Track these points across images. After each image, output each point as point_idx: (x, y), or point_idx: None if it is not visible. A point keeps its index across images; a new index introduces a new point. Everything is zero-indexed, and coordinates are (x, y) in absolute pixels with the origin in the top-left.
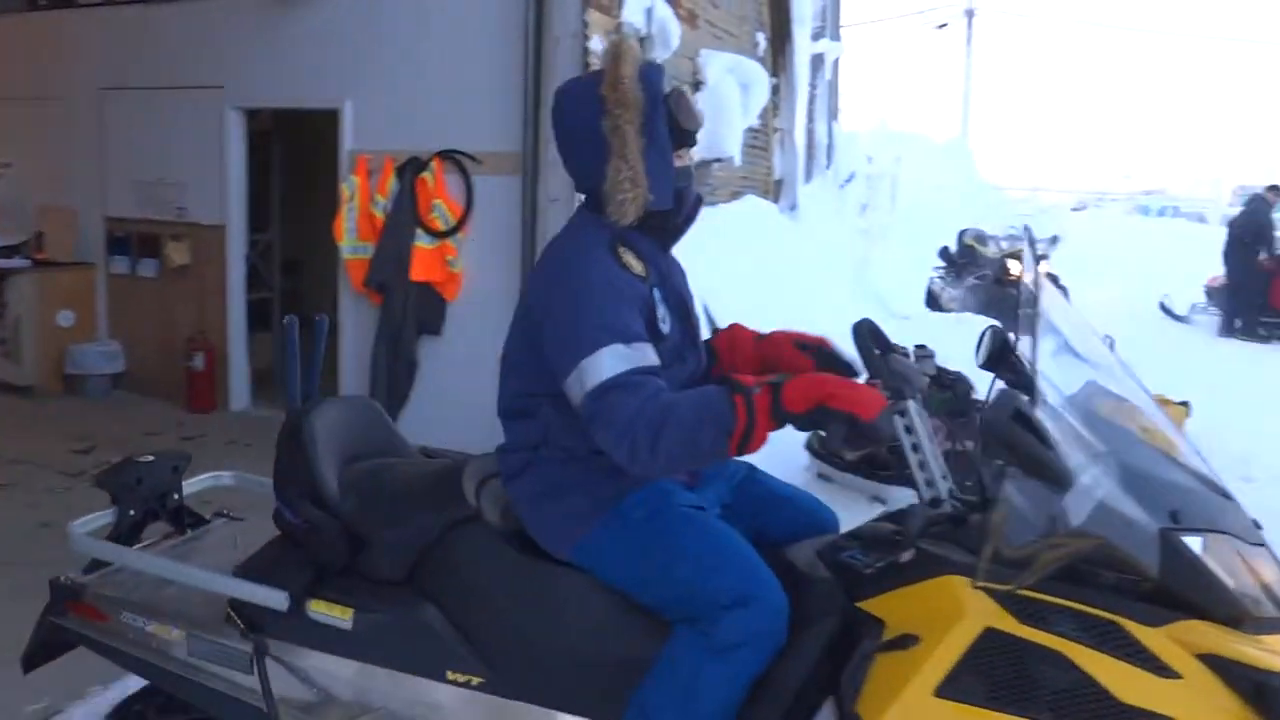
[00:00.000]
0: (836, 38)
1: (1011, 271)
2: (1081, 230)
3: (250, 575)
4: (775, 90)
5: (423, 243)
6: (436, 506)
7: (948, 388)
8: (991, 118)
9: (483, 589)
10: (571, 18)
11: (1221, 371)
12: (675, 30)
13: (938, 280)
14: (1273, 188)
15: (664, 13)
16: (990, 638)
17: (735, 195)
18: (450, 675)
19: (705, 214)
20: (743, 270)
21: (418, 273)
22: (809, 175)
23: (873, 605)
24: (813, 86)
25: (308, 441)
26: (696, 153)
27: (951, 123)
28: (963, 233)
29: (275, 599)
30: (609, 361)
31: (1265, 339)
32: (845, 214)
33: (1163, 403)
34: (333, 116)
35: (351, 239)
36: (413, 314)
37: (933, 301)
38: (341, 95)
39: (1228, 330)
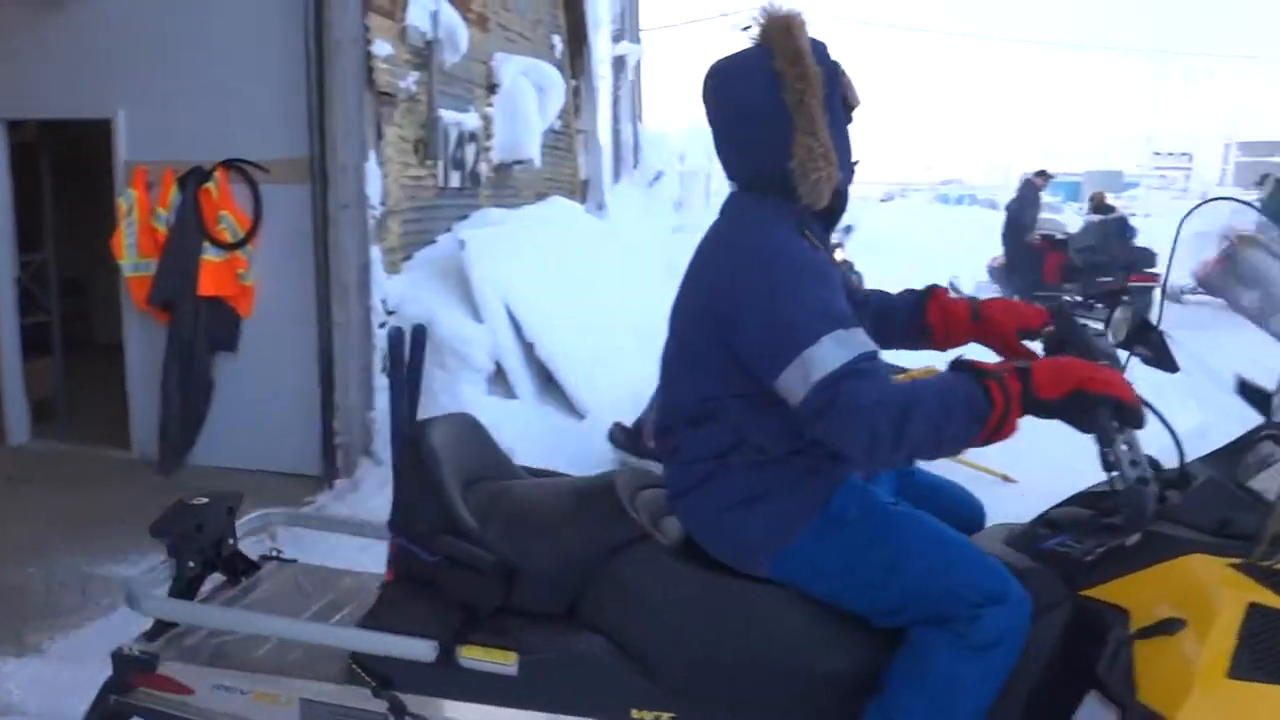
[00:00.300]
0: (637, 40)
1: None
2: (889, 218)
3: (377, 625)
4: (575, 92)
5: (210, 256)
6: (595, 529)
7: None
8: None
9: (661, 614)
10: (352, 23)
11: None
12: (464, 33)
13: None
14: (1040, 173)
15: (451, 16)
16: (1256, 614)
17: (540, 196)
18: (635, 714)
19: (509, 215)
20: (550, 270)
21: (207, 287)
22: (617, 175)
23: (1104, 592)
24: (616, 88)
25: (436, 467)
26: (495, 155)
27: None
28: None
29: (421, 649)
30: (833, 349)
31: None
32: (655, 211)
33: (934, 373)
34: (105, 127)
35: (132, 255)
36: (204, 331)
37: None
38: (114, 104)
39: None
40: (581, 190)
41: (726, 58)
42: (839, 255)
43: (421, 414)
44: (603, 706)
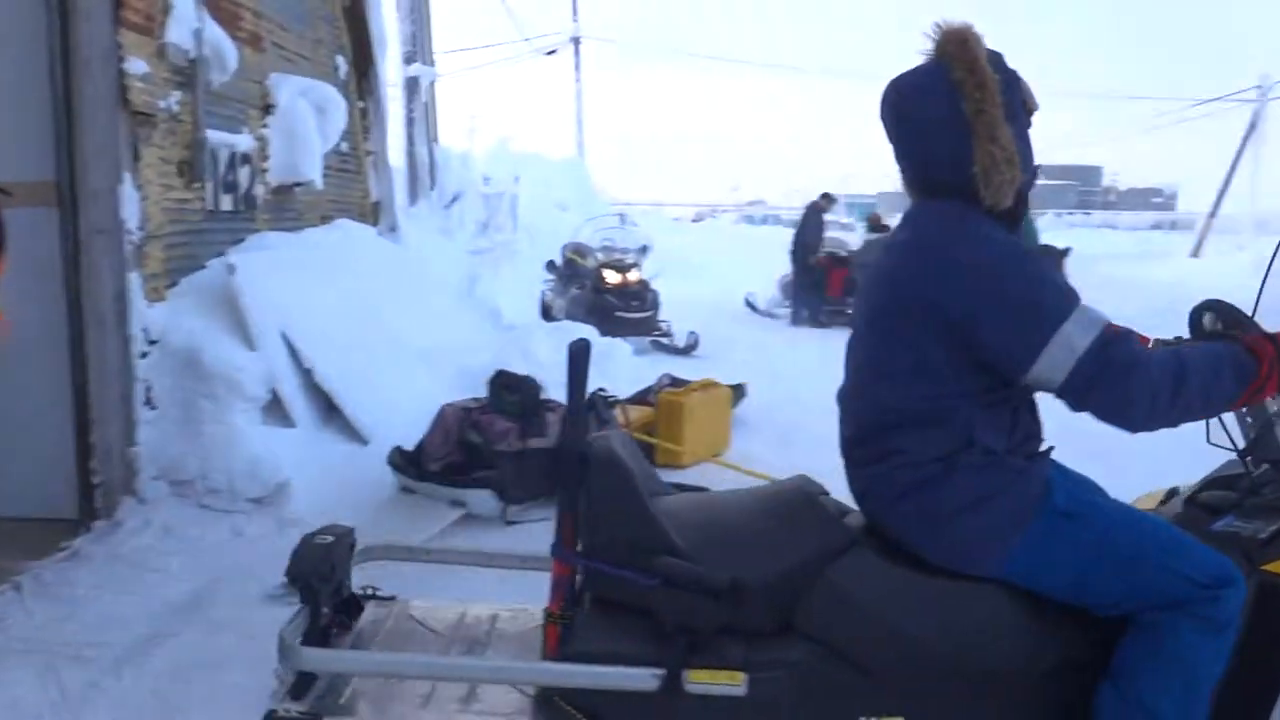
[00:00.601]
0: (430, 62)
1: (608, 280)
2: (698, 238)
3: (583, 657)
4: (364, 114)
5: None
6: (809, 539)
7: (516, 390)
8: (611, 140)
9: (883, 620)
10: (101, 38)
11: (787, 354)
12: (233, 52)
13: (548, 292)
14: (824, 196)
15: (217, 34)
16: None
17: (326, 219)
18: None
19: (291, 239)
20: (333, 294)
21: None
22: (414, 197)
23: None
24: (409, 110)
25: (636, 487)
26: (273, 177)
27: (567, 143)
28: (564, 246)
29: (643, 679)
30: (1085, 321)
31: (826, 325)
32: (454, 233)
33: (710, 385)
34: None
35: None
36: None
37: (545, 312)
38: None
39: (797, 319)
40: (373, 213)
41: (905, 74)
42: (634, 275)
43: (185, 446)
44: (832, 717)
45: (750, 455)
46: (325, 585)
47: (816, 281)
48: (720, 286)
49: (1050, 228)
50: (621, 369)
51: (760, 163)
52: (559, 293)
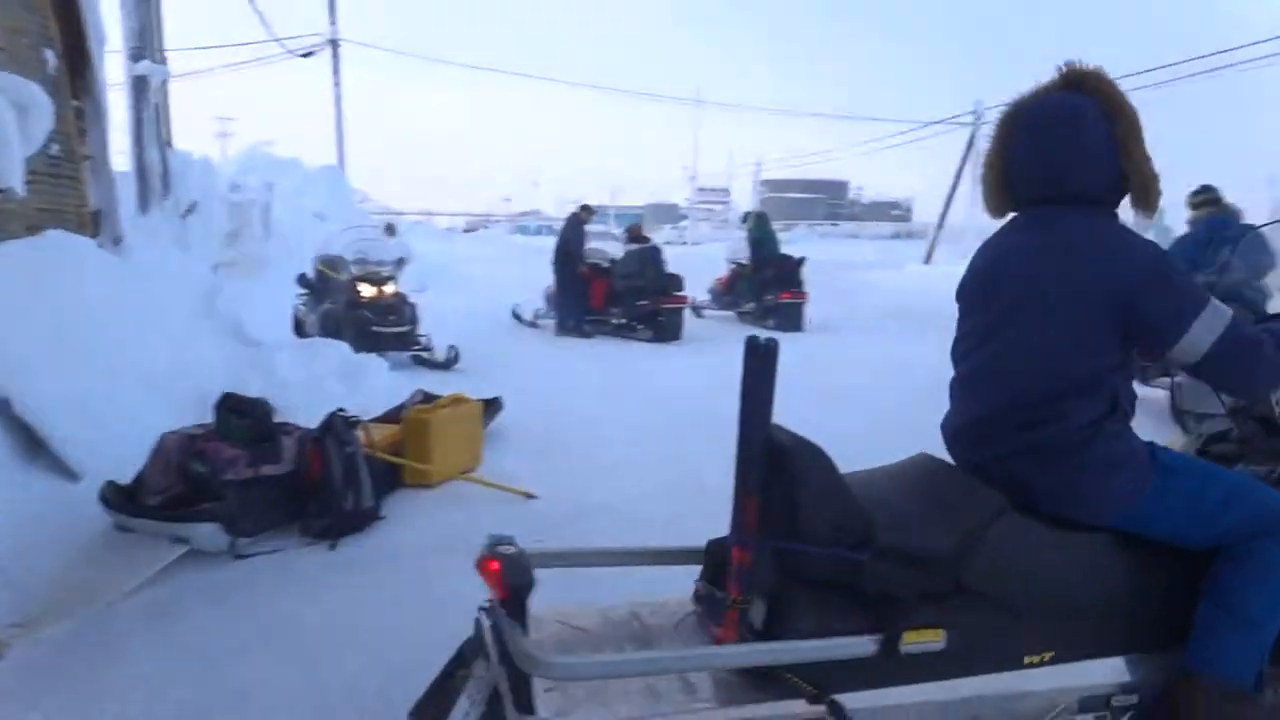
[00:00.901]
0: (161, 60)
1: (362, 294)
2: (470, 249)
3: (803, 633)
4: (79, 114)
5: None
6: (973, 508)
7: (246, 413)
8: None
9: (1037, 574)
10: None
11: (549, 365)
12: None
13: (300, 306)
14: (584, 207)
15: None
16: None
17: (33, 230)
18: (1027, 659)
19: None
20: (44, 316)
21: None
22: (145, 206)
23: None
24: (138, 111)
25: (834, 470)
26: None
27: (327, 150)
28: (315, 258)
29: (864, 646)
30: (1219, 309)
31: (590, 335)
32: (193, 244)
33: (460, 400)
34: None
35: None
36: None
37: (298, 327)
38: None
39: (562, 330)
40: (93, 223)
41: (1042, 102)
42: (390, 288)
43: None
44: (1005, 659)
45: (504, 471)
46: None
47: (580, 292)
48: (489, 298)
49: (803, 238)
50: (377, 386)
51: (535, 173)
52: (311, 308)
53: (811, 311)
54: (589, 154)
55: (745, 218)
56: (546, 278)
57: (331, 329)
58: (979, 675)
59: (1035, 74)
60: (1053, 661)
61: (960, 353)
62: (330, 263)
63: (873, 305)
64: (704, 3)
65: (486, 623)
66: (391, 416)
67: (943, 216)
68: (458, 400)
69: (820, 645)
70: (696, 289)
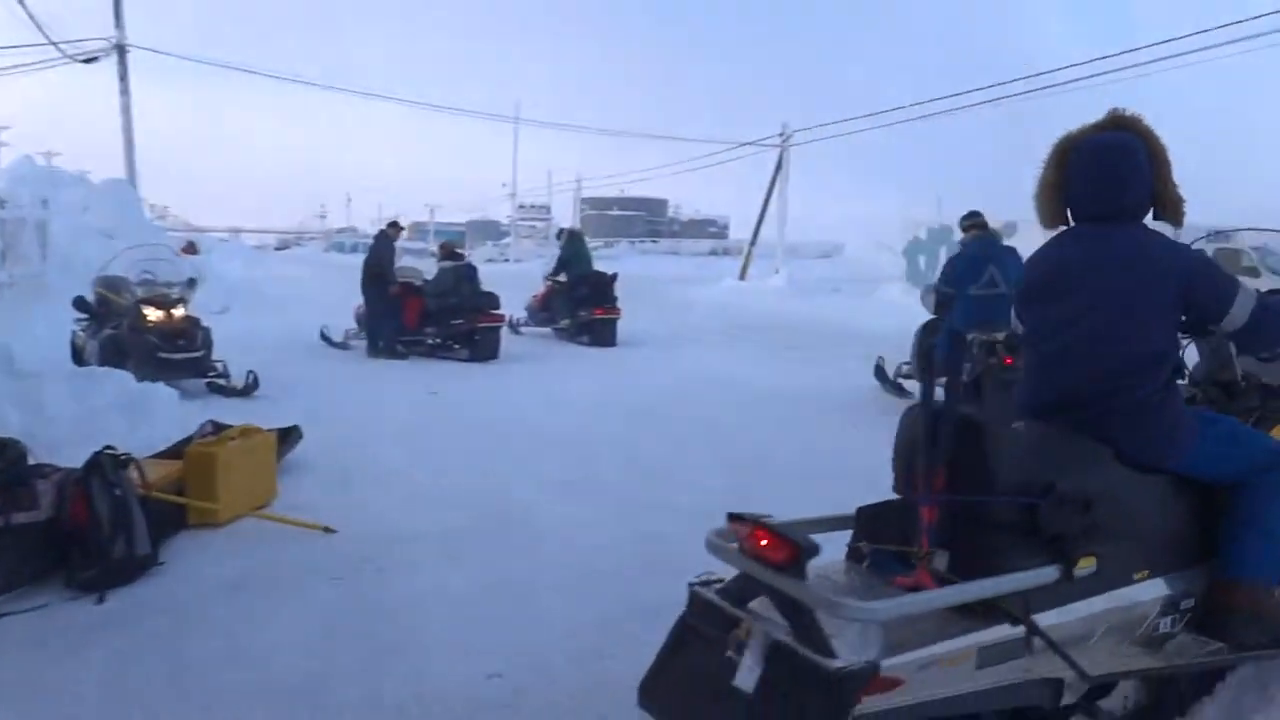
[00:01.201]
0: None
1: (148, 318)
2: (281, 268)
3: (1001, 569)
4: None
5: None
6: (1080, 460)
7: None
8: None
9: (1135, 509)
10: None
11: (356, 389)
12: None
13: (79, 332)
14: (392, 224)
15: None
16: None
17: None
18: (1135, 576)
19: None
20: None
21: None
22: None
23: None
24: None
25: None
26: None
27: (119, 164)
28: (94, 280)
29: (1050, 574)
30: (1247, 288)
31: (404, 356)
32: None
33: (251, 431)
34: None
35: None
36: None
37: (77, 355)
38: None
39: (373, 351)
40: None
41: (1098, 139)
42: (180, 311)
43: None
44: (1125, 577)
45: (302, 505)
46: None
47: (393, 312)
48: (299, 319)
49: (625, 254)
50: (165, 417)
51: (352, 189)
52: (91, 333)
53: (624, 327)
54: (409, 170)
55: (560, 234)
56: (359, 297)
57: (113, 357)
58: (1110, 591)
59: (837, 103)
60: (1149, 577)
61: (1033, 342)
62: (110, 284)
63: (689, 321)
64: (523, 21)
65: (708, 594)
66: (176, 451)
67: (755, 234)
68: (248, 431)
69: (1020, 578)
70: (517, 306)
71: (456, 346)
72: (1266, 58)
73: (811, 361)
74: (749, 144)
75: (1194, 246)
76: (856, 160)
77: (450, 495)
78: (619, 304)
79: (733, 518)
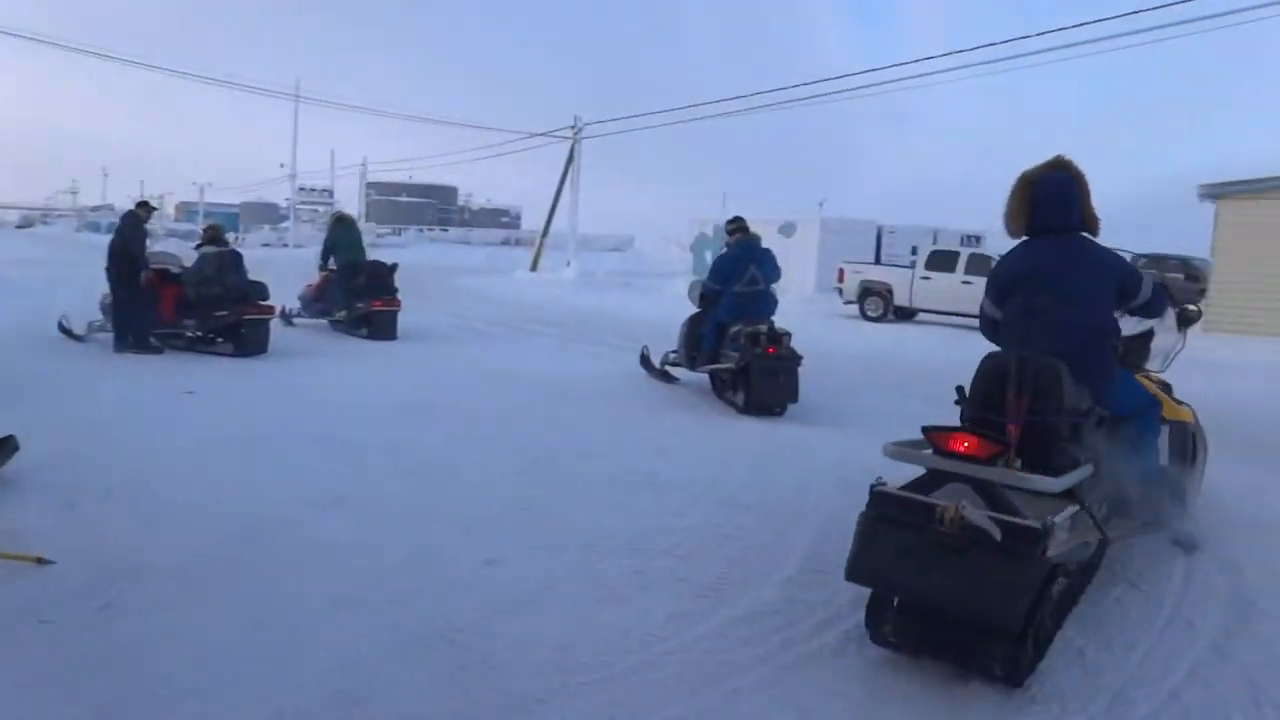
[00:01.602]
0: None
1: None
2: (23, 248)
3: (1063, 470)
4: None
5: None
6: (1082, 394)
7: None
8: None
9: (1109, 430)
10: None
11: (98, 390)
12: None
13: None
14: (142, 204)
15: None
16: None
17: None
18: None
19: None
20: None
21: None
22: None
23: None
24: None
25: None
26: None
27: None
28: None
29: (1089, 470)
30: (1148, 276)
31: (159, 350)
32: None
33: None
34: None
35: None
36: None
37: None
38: None
39: (121, 346)
40: None
41: (1049, 176)
42: None
43: None
44: (1107, 480)
45: (13, 531)
46: None
47: (145, 302)
48: (37, 307)
49: (414, 242)
50: None
51: (109, 164)
52: None
53: (408, 319)
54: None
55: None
56: (106, 285)
57: None
58: (1105, 483)
59: (631, 98)
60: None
61: (1008, 320)
62: None
63: (478, 313)
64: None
65: (894, 490)
66: None
67: (547, 225)
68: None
69: (1081, 472)
70: (293, 295)
71: (220, 340)
72: (1017, 76)
73: (598, 357)
74: (541, 135)
75: None
76: (648, 156)
77: (197, 512)
78: (400, 295)
79: (927, 430)
